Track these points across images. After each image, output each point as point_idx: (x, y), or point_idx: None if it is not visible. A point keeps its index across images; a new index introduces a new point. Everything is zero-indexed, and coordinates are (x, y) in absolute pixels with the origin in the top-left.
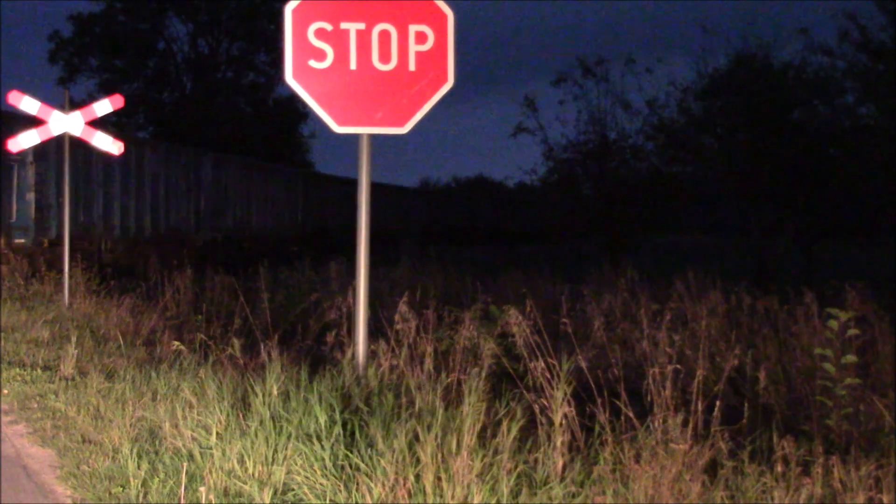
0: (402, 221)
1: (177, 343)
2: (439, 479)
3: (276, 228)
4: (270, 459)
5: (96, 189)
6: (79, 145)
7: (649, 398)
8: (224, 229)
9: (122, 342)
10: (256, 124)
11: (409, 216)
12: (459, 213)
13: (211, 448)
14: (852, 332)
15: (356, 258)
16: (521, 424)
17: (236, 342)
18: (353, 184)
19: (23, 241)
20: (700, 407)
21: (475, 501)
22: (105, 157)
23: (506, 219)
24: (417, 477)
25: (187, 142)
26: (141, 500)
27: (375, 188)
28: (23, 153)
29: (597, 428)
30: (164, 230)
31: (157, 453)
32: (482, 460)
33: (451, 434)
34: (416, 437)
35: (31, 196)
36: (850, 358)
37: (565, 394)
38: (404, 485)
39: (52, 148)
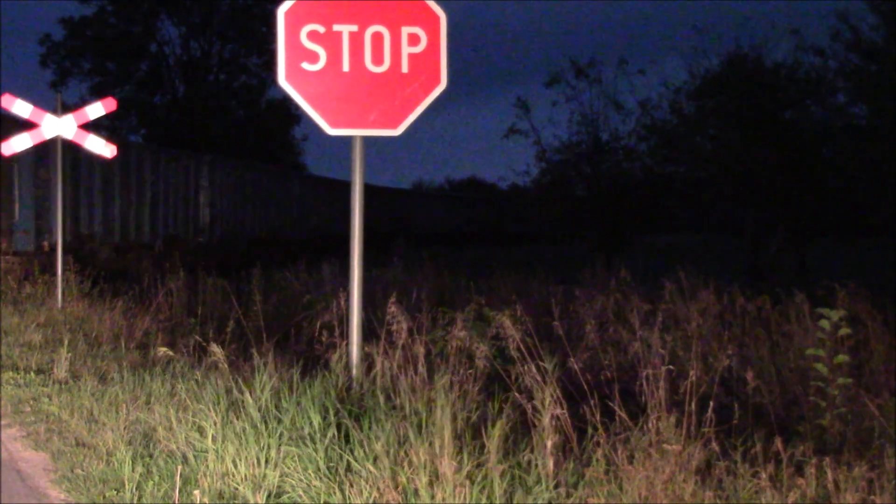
0: (397, 222)
1: (164, 349)
2: (430, 481)
3: (339, 230)
4: (264, 462)
5: (238, 204)
6: (232, 175)
7: (643, 399)
8: (308, 230)
9: (120, 344)
10: (249, 127)
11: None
12: (453, 214)
13: (205, 451)
14: (843, 331)
15: (350, 260)
16: (510, 426)
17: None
18: (389, 192)
19: (201, 239)
20: (693, 408)
21: (466, 502)
22: (238, 181)
23: (499, 220)
24: (410, 479)
25: (182, 145)
26: (135, 503)
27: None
28: (201, 179)
29: (589, 429)
30: (271, 233)
31: (151, 456)
32: (470, 462)
33: (439, 436)
34: (409, 439)
35: (207, 209)
36: (842, 358)
37: (553, 395)
38: (396, 486)
39: (220, 176)
